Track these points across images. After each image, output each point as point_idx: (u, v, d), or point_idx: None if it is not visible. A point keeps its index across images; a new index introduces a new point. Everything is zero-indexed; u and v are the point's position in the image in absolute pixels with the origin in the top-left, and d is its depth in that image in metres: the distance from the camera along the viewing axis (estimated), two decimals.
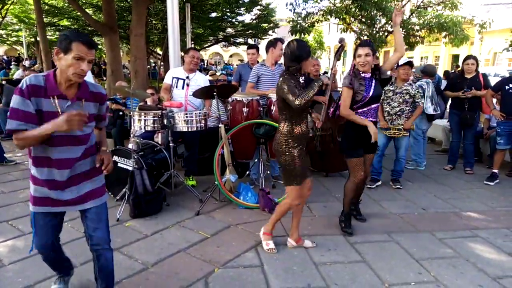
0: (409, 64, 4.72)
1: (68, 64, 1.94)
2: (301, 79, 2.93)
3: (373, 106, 3.45)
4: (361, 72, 3.41)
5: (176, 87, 4.62)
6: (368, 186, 4.71)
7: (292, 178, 2.97)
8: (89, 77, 4.07)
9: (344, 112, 3.44)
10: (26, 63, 21.96)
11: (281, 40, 4.66)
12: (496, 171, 5.14)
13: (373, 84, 3.42)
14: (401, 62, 4.67)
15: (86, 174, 2.18)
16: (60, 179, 2.08)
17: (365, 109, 3.43)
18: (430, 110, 5.42)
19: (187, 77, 4.58)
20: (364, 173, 3.50)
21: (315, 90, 2.76)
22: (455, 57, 24.99)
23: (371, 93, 3.38)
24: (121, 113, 5.65)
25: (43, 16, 13.78)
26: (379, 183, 4.94)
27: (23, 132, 1.94)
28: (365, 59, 3.33)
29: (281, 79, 2.85)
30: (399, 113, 4.67)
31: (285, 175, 3.02)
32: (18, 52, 35.28)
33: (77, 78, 1.99)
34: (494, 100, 5.58)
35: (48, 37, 17.31)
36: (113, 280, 2.36)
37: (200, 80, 4.69)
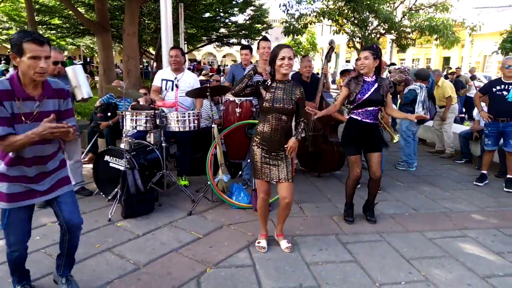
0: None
1: (27, 66, 1.97)
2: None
3: (369, 108, 3.56)
4: (363, 75, 3.54)
5: (166, 89, 4.61)
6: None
7: None
8: (82, 76, 4.02)
9: (333, 109, 3.88)
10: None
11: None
12: (485, 172, 5.20)
13: (373, 89, 3.50)
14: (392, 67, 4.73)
15: (56, 168, 2.31)
16: (31, 175, 2.18)
17: (360, 110, 3.58)
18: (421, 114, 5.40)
19: (175, 78, 4.57)
20: (372, 172, 3.68)
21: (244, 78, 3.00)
22: (446, 59, 25.26)
23: (366, 96, 3.50)
24: (109, 114, 5.60)
25: (35, 15, 13.62)
26: None
27: (10, 137, 1.98)
28: (363, 62, 3.51)
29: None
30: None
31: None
32: (8, 50, 34.87)
33: (39, 77, 2.02)
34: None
35: None
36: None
37: (190, 79, 4.65)
